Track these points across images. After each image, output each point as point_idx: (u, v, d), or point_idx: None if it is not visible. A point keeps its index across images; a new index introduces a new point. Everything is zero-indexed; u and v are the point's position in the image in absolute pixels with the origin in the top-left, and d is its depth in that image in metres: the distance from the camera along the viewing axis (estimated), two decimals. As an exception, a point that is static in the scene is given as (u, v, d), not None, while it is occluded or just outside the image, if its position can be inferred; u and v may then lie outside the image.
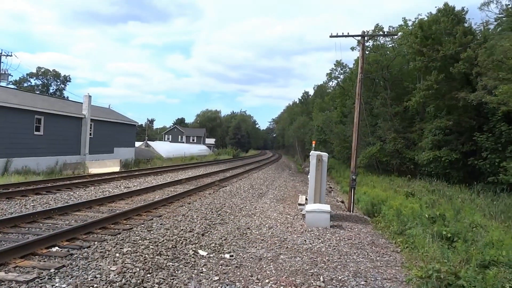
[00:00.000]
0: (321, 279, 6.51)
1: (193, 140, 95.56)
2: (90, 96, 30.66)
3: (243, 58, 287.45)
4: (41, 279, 5.46)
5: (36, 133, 25.10)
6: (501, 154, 20.56)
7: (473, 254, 8.32)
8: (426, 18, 27.76)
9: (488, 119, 22.20)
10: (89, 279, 5.57)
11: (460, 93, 22.88)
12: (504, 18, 24.54)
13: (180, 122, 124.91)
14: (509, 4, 24.03)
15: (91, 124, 31.14)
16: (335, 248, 8.68)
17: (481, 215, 13.80)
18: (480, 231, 10.72)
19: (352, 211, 15.10)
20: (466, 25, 25.81)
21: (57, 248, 6.97)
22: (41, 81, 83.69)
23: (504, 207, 15.26)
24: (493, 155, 21.04)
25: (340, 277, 6.65)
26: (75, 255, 6.58)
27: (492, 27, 26.47)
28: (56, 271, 5.78)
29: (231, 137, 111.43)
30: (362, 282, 6.50)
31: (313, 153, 13.14)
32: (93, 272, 5.83)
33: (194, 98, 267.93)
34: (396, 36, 34.06)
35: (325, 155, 13.06)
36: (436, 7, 27.08)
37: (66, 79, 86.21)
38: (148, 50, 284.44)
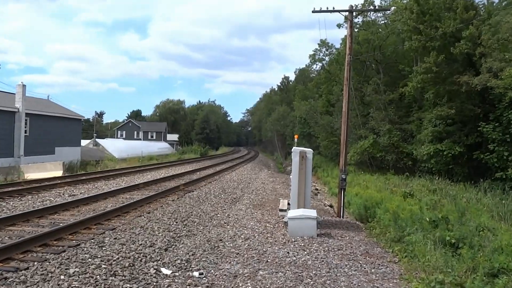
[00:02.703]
0: (308, 297, 6.58)
1: (152, 136, 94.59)
2: (24, 85, 29.83)
3: (210, 38, 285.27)
4: (-33, 311, 5.29)
5: (-44, 131, 24.22)
6: (509, 146, 21.07)
7: (480, 262, 8.58)
8: (423, -10, 28.35)
9: (495, 106, 22.82)
10: (28, 308, 5.43)
11: (462, 76, 23.43)
12: (510, -10, 25.34)
13: (136, 115, 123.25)
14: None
15: (26, 120, 30.29)
16: (323, 261, 8.79)
17: (488, 217, 14.25)
18: (488, 235, 11.06)
19: (342, 217, 15.30)
20: (468, -2, 26.49)
21: (-14, 271, 6.77)
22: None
23: (514, 206, 15.79)
24: (500, 147, 21.56)
25: (329, 294, 6.74)
26: (10, 279, 6.40)
27: (496, 0, 27.29)
28: (-14, 300, 5.62)
29: (197, 132, 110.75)
30: (355, 299, 6.61)
31: (296, 149, 13.23)
32: (32, 299, 5.68)
33: (152, 86, 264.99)
34: (388, 12, 34.74)
35: (309, 151, 13.17)
36: (434, -24, 27.62)
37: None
38: (95, 28, 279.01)
